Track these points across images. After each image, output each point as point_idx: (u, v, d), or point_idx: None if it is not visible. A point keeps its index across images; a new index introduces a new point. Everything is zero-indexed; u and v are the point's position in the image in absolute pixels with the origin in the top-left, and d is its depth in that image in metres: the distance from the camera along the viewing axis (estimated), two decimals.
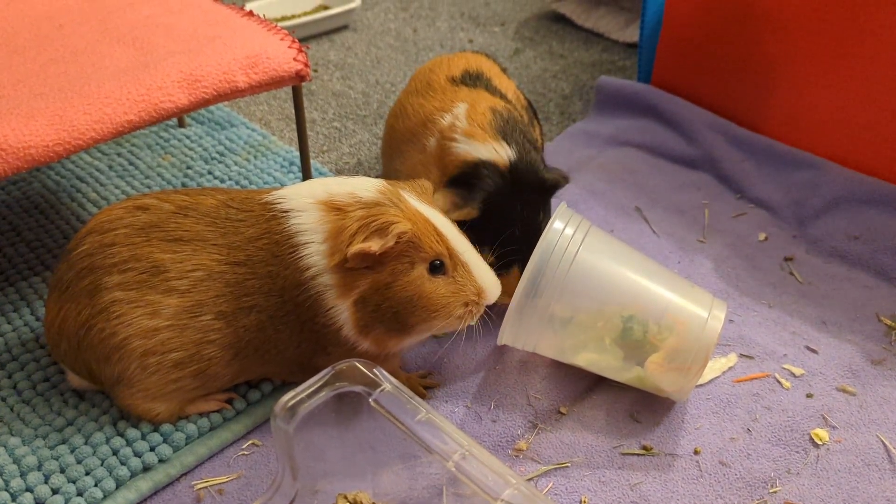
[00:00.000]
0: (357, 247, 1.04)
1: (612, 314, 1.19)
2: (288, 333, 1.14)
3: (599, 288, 1.20)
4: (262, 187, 1.74)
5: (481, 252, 1.21)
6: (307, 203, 1.12)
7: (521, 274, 1.19)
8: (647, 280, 1.22)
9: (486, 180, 1.27)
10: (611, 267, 1.21)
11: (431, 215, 1.13)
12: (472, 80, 1.48)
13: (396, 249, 1.07)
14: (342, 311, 1.11)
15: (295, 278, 1.10)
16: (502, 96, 1.47)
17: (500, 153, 1.28)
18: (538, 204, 1.31)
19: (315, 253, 1.09)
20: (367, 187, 1.12)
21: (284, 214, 1.12)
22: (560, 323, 1.20)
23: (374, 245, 1.04)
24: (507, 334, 1.23)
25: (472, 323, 1.16)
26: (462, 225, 1.24)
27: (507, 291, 1.21)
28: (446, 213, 1.20)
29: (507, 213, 1.27)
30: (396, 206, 1.10)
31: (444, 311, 1.12)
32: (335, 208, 1.10)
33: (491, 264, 1.22)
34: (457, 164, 1.30)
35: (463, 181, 1.29)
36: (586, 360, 1.24)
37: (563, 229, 1.21)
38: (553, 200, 1.37)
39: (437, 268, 1.11)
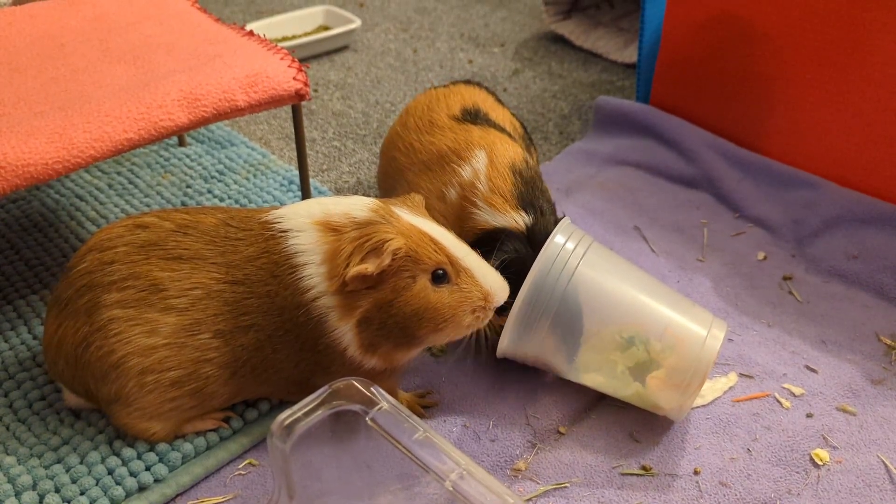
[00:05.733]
0: (354, 270, 1.04)
1: (613, 331, 1.19)
2: (286, 353, 1.14)
3: (599, 303, 1.20)
4: (262, 206, 1.75)
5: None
6: (305, 223, 1.12)
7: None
8: (648, 297, 1.22)
9: (505, 244, 1.29)
10: (611, 283, 1.21)
11: (426, 226, 1.12)
12: (472, 116, 1.50)
13: (394, 266, 1.07)
14: (346, 333, 1.11)
15: (295, 299, 1.10)
16: (502, 130, 1.49)
17: (518, 221, 1.31)
18: None
19: (315, 274, 1.09)
20: (360, 206, 1.12)
21: (283, 234, 1.12)
22: (559, 337, 1.20)
23: (371, 266, 1.04)
24: (505, 345, 1.23)
25: (482, 327, 1.16)
26: None
27: None
28: None
29: (527, 272, 1.28)
30: (389, 223, 1.09)
31: (452, 320, 1.11)
32: (332, 229, 1.10)
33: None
34: (476, 232, 1.33)
35: (482, 244, 1.31)
36: (585, 375, 1.23)
37: (565, 243, 1.21)
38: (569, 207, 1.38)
39: (440, 277, 1.10)
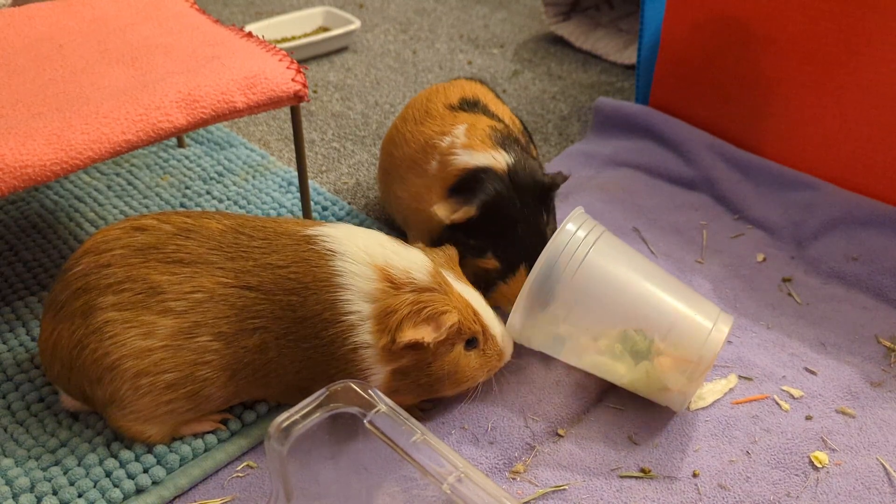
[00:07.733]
0: (410, 336, 1.08)
1: (620, 319, 1.21)
2: (291, 357, 1.14)
3: (607, 293, 1.21)
4: (262, 207, 1.75)
5: (487, 258, 1.28)
6: (362, 257, 1.14)
7: (528, 272, 1.22)
8: (656, 287, 1.23)
9: (486, 184, 1.29)
10: (621, 272, 1.23)
11: (469, 295, 1.19)
12: (470, 106, 1.51)
13: (445, 337, 1.13)
14: (378, 373, 1.15)
15: (326, 315, 1.12)
16: (499, 121, 1.49)
17: (499, 159, 1.30)
18: (539, 205, 1.33)
19: (357, 302, 1.12)
20: (420, 267, 1.15)
21: (330, 253, 1.14)
22: (566, 323, 1.22)
23: (428, 336, 1.09)
24: (512, 330, 1.25)
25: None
26: (468, 231, 1.26)
27: (513, 295, 1.24)
28: (448, 220, 1.25)
29: (510, 214, 1.28)
30: (445, 294, 1.14)
31: (473, 379, 1.22)
32: (388, 279, 1.13)
33: (496, 270, 1.29)
34: (456, 173, 1.33)
35: (463, 188, 1.30)
36: (591, 361, 1.25)
37: (576, 231, 1.22)
38: (567, 209, 1.40)
39: (471, 342, 1.19)
